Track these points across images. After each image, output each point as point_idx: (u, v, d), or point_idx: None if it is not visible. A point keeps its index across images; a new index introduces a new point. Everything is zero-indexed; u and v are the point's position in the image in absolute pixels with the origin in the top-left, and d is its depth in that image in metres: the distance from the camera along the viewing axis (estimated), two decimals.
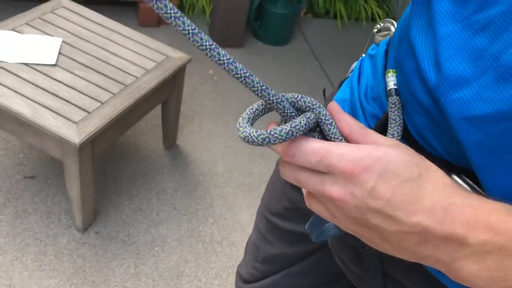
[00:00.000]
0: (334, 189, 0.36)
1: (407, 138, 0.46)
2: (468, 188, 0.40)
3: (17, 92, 1.44)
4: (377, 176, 0.35)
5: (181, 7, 2.96)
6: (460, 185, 0.39)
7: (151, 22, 2.78)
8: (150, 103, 1.70)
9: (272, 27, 2.88)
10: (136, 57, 1.71)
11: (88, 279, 1.55)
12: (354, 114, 0.53)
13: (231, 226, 1.81)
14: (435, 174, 0.36)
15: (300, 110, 0.42)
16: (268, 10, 2.83)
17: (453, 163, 0.43)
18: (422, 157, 0.37)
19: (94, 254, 1.62)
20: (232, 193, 1.94)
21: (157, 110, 2.07)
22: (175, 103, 1.87)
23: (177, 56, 1.77)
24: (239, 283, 0.88)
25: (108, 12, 2.00)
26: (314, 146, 0.37)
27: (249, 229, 1.82)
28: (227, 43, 2.79)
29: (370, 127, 0.50)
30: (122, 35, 1.81)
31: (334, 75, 2.79)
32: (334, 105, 0.42)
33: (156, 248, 1.68)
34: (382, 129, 0.47)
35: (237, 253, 1.74)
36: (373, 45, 0.55)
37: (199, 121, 2.26)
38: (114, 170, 1.91)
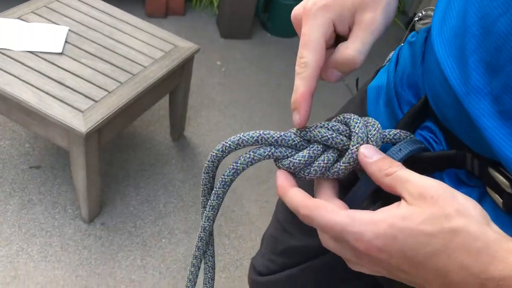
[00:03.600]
0: (360, 261, 0.37)
1: (443, 129, 0.43)
2: (507, 182, 0.37)
3: (23, 81, 1.41)
4: (396, 254, 0.34)
5: None
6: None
7: (159, 13, 2.74)
8: (157, 93, 1.67)
9: (281, 18, 2.84)
10: (143, 46, 1.68)
11: (94, 271, 1.53)
12: (389, 101, 0.50)
13: (239, 219, 1.78)
14: (464, 238, 0.32)
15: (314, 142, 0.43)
16: (276, 2, 2.79)
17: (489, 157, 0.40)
18: (455, 208, 0.33)
19: (100, 245, 1.60)
20: (240, 185, 1.91)
21: (165, 100, 2.05)
22: (183, 93, 1.84)
23: (186, 45, 1.74)
24: (253, 275, 0.85)
25: (114, 3, 1.97)
26: (328, 221, 0.36)
27: (258, 222, 1.79)
28: (235, 35, 2.76)
29: (403, 114, 0.47)
30: (129, 24, 1.78)
31: None
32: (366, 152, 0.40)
33: (163, 240, 1.66)
34: (413, 117, 0.45)
35: (245, 246, 1.71)
36: (413, 32, 0.53)
37: (207, 113, 2.23)
38: (121, 160, 1.88)
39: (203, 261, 0.57)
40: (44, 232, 1.59)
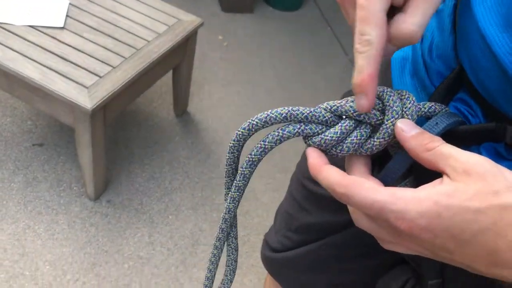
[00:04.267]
0: (398, 240, 0.36)
1: (480, 101, 0.41)
2: None
3: (25, 56, 1.38)
4: (441, 233, 0.32)
5: None
6: None
7: None
8: (162, 68, 1.64)
9: None
10: (146, 20, 1.64)
11: (102, 248, 1.53)
12: (416, 72, 0.48)
13: (244, 195, 1.76)
14: None
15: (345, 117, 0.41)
16: None
17: None
18: (504, 185, 0.32)
19: (106, 223, 1.59)
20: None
21: (166, 77, 2.02)
22: (186, 68, 1.81)
23: (189, 19, 1.70)
24: (267, 251, 0.84)
25: None
26: (367, 199, 0.35)
27: (263, 198, 1.78)
28: (237, 9, 2.70)
29: (434, 86, 0.45)
30: None
31: (347, 40, 2.71)
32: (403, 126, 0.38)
33: (170, 217, 1.66)
34: (447, 89, 0.43)
35: (251, 222, 1.71)
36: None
37: (209, 88, 2.20)
38: (125, 138, 1.86)
39: (225, 243, 0.55)
40: (50, 210, 1.58)
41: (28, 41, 1.43)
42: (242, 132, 0.43)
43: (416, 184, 0.39)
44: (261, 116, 0.42)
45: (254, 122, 0.42)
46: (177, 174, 1.79)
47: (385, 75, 0.60)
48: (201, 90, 2.17)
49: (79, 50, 1.45)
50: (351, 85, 0.38)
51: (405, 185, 0.44)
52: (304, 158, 0.74)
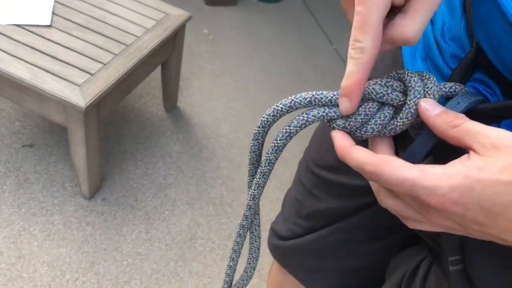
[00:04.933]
0: (428, 217, 0.36)
1: (499, 80, 0.42)
2: None
3: (13, 56, 1.36)
4: (473, 206, 0.33)
5: None
6: None
7: None
8: (152, 63, 1.63)
9: None
10: (134, 15, 1.62)
11: (99, 246, 1.52)
12: (428, 55, 0.49)
13: (240, 187, 1.78)
14: None
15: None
16: None
17: None
18: None
19: (103, 221, 1.59)
20: (238, 154, 1.90)
21: (155, 72, 2.00)
22: (175, 63, 1.80)
23: (177, 13, 1.69)
24: (274, 240, 0.85)
25: None
26: (397, 176, 0.35)
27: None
28: (220, 2, 2.69)
29: (450, 67, 0.46)
30: None
31: (331, 30, 2.72)
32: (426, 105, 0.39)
33: (166, 212, 1.65)
34: (465, 70, 0.44)
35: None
36: None
37: (198, 82, 2.19)
38: (116, 135, 1.85)
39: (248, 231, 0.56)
40: (45, 211, 1.57)
41: (15, 40, 1.40)
42: (267, 118, 0.43)
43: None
44: (285, 101, 0.42)
45: (279, 108, 0.42)
46: (170, 169, 1.79)
47: (394, 62, 0.61)
48: (190, 85, 2.16)
49: (68, 48, 1.43)
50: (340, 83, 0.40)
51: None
52: (313, 144, 0.75)
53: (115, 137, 1.84)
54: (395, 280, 0.69)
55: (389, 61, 0.64)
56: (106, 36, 1.51)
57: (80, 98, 1.29)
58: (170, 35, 1.60)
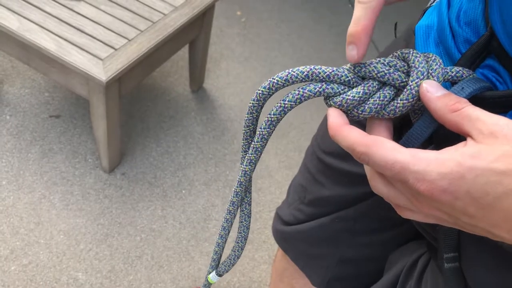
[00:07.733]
0: (417, 205, 0.35)
1: (509, 68, 0.40)
2: None
3: (42, 27, 1.38)
4: (463, 196, 0.31)
5: None
6: None
7: None
8: (177, 42, 1.63)
9: None
10: None
11: (115, 220, 1.55)
12: (441, 40, 0.47)
13: (258, 172, 1.77)
14: None
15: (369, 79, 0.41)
16: None
17: None
18: None
19: (120, 195, 1.61)
20: None
21: (184, 51, 2.01)
22: (203, 43, 1.79)
23: None
24: (278, 225, 0.84)
25: None
26: (387, 158, 0.33)
27: (277, 176, 1.78)
28: None
29: (461, 53, 0.44)
30: None
31: None
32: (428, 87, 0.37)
33: (183, 192, 1.67)
34: (475, 55, 0.42)
35: (264, 199, 1.71)
36: None
37: (226, 64, 2.18)
38: (141, 112, 1.87)
39: (239, 209, 0.55)
40: (65, 181, 1.61)
41: (46, 12, 1.43)
42: (262, 91, 0.42)
43: None
44: (282, 74, 0.41)
45: (275, 81, 0.41)
46: (191, 149, 1.80)
47: (408, 44, 0.59)
48: (218, 66, 2.16)
49: (95, 22, 1.45)
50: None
51: None
52: (320, 130, 0.73)
53: (139, 114, 1.86)
54: (393, 273, 0.68)
55: (402, 45, 0.62)
56: (134, 12, 1.52)
57: (102, 72, 1.30)
58: (198, 14, 1.60)
